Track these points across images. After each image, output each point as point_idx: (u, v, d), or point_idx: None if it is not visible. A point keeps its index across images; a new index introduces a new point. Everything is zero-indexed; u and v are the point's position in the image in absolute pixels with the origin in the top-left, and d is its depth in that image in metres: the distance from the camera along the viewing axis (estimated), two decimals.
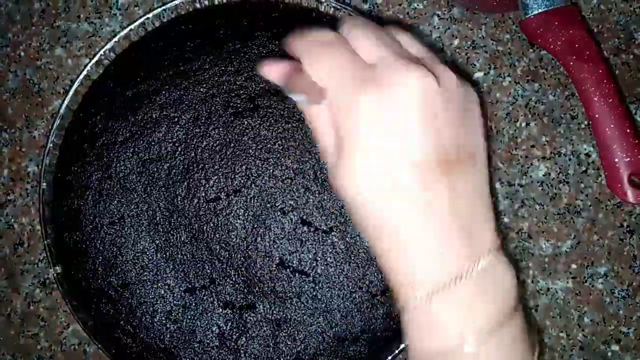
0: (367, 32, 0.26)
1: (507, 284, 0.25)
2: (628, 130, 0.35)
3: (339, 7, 0.42)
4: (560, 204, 0.44)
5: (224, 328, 0.39)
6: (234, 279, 0.40)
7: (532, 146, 0.44)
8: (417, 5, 0.45)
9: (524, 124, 0.45)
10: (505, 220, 0.44)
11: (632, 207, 0.44)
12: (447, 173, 0.24)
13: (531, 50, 0.45)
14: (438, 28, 0.45)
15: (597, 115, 0.35)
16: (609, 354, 0.43)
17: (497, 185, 0.44)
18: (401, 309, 0.25)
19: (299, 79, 0.25)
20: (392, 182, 0.24)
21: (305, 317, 0.40)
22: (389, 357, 0.39)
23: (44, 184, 0.41)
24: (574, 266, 0.44)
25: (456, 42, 0.45)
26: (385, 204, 0.24)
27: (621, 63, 0.45)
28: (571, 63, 0.36)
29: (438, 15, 0.45)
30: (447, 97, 0.25)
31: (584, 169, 0.44)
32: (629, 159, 0.34)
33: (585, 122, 0.45)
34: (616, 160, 0.35)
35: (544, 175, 0.44)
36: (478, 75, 0.45)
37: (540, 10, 0.38)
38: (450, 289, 0.23)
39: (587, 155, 0.44)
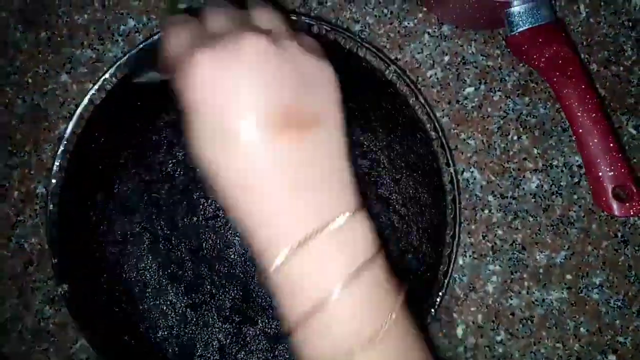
0: (219, 13, 0.27)
1: (364, 238, 0.26)
2: (611, 145, 0.35)
3: (329, 28, 0.43)
4: (554, 215, 0.45)
5: (224, 342, 0.41)
6: (233, 294, 0.41)
7: (524, 159, 0.45)
8: (408, 23, 0.47)
9: (515, 137, 0.45)
10: (499, 232, 0.45)
11: (626, 218, 0.44)
12: (290, 132, 0.24)
13: (521, 64, 0.46)
14: (429, 45, 0.46)
15: (581, 130, 0.36)
16: None
17: (490, 197, 0.45)
18: (265, 276, 0.25)
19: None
20: (235, 141, 0.24)
21: None
22: None
23: (51, 205, 0.42)
24: (568, 277, 0.44)
25: (447, 58, 0.46)
26: (232, 165, 0.24)
27: (611, 75, 0.46)
28: (555, 79, 0.37)
29: (429, 33, 0.46)
30: (285, 59, 0.25)
31: (576, 180, 0.45)
32: (612, 172, 0.35)
33: None
34: (600, 174, 0.35)
35: (536, 187, 0.45)
36: (469, 90, 0.46)
37: (525, 28, 0.39)
38: (307, 246, 0.24)
39: (579, 166, 0.45)
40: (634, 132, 0.45)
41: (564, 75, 0.36)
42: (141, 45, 0.44)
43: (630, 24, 0.46)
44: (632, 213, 0.34)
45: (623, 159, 0.35)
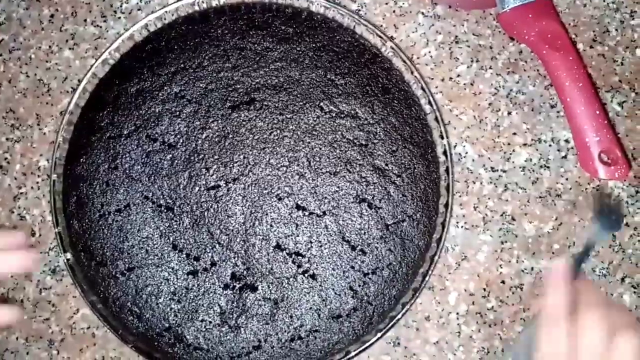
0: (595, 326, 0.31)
1: None
2: (597, 112, 0.37)
3: (329, 6, 0.45)
4: (542, 187, 0.46)
5: (225, 307, 0.42)
6: (233, 262, 0.43)
7: (514, 134, 0.47)
8: (403, 3, 0.48)
9: (505, 113, 0.47)
10: (490, 204, 0.46)
11: (611, 190, 0.46)
12: None
13: (511, 43, 0.47)
14: (423, 25, 0.48)
15: (568, 99, 0.37)
16: None
17: (481, 171, 0.47)
18: None
19: None
20: None
21: (301, 296, 0.42)
22: (381, 333, 0.42)
23: (55, 175, 0.43)
24: (556, 246, 0.46)
25: (440, 37, 0.48)
26: None
27: (597, 54, 0.48)
28: (544, 52, 0.39)
29: (422, 13, 0.48)
30: None
31: (563, 154, 0.47)
32: (598, 138, 0.37)
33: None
34: (587, 140, 0.37)
35: (525, 161, 0.47)
36: (461, 68, 0.47)
37: (515, 5, 0.41)
38: None
39: (567, 141, 0.47)
40: (618, 108, 0.47)
41: (553, 48, 0.38)
42: (144, 22, 0.45)
43: (615, 5, 0.48)
44: (616, 176, 0.36)
45: (608, 125, 0.37)
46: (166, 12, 0.45)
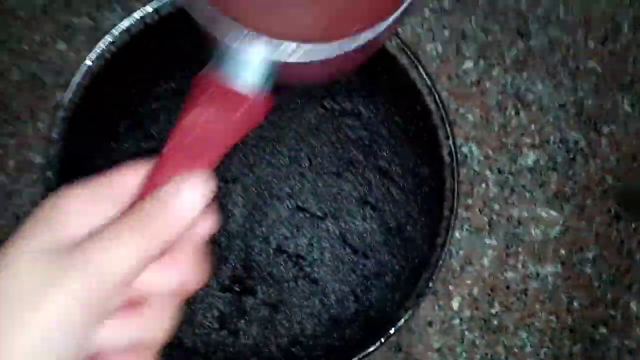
0: None
1: None
2: None
3: None
4: (549, 191, 0.45)
5: (224, 311, 0.41)
6: (233, 264, 0.41)
7: (522, 134, 0.46)
8: None
9: (513, 113, 0.46)
10: (496, 207, 0.45)
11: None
12: None
13: (520, 40, 0.46)
14: (429, 19, 0.46)
15: None
16: (597, 336, 0.44)
17: (488, 172, 0.45)
18: None
19: None
20: None
21: (301, 300, 0.41)
22: (383, 339, 0.41)
23: (50, 172, 0.42)
24: (562, 251, 0.45)
25: (447, 32, 0.46)
26: None
27: (608, 53, 0.46)
28: None
29: (429, 7, 0.46)
30: None
31: (572, 156, 0.45)
32: None
33: (573, 110, 0.46)
34: None
35: (533, 163, 0.45)
36: (468, 65, 0.46)
37: None
38: None
39: (575, 142, 0.45)
40: (629, 109, 0.46)
41: None
42: (140, 13, 0.43)
43: (629, 1, 0.46)
44: None
45: None
46: (164, 3, 0.43)
